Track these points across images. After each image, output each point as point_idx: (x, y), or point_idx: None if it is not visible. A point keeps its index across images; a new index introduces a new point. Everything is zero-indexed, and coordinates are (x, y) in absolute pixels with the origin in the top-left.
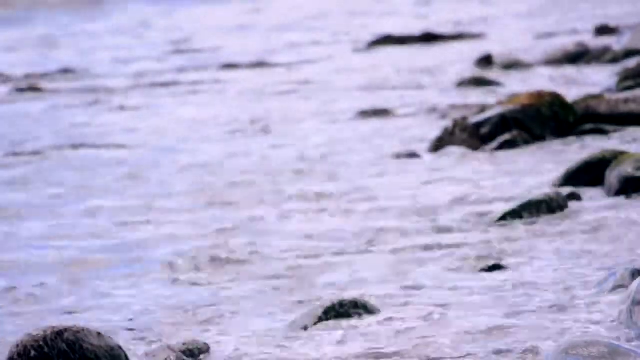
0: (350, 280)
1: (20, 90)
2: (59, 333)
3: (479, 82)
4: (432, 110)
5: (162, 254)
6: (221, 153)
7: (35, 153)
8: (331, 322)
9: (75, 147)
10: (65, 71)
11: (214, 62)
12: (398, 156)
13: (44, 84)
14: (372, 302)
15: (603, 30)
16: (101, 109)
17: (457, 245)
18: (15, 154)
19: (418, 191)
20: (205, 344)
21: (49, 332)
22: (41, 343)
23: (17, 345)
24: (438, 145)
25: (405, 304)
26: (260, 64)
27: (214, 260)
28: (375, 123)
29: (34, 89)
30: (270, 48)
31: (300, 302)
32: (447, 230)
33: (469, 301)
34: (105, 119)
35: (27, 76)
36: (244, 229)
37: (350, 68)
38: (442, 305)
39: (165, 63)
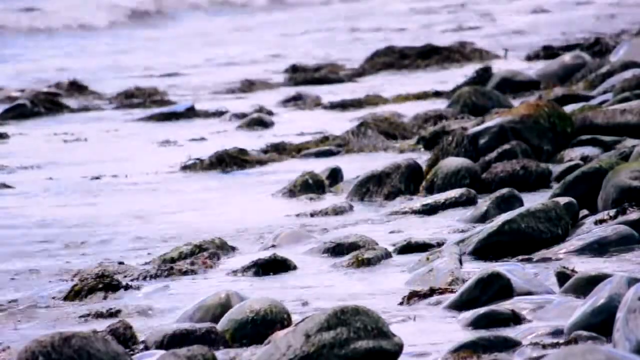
0: None
1: None
2: (66, 339)
3: (476, 96)
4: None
5: None
6: None
7: None
8: None
9: None
10: None
11: None
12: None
13: None
14: None
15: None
16: None
17: None
18: None
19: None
20: (210, 350)
21: (56, 338)
22: (49, 349)
23: (25, 351)
24: (436, 158)
25: None
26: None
27: None
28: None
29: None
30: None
31: None
32: None
33: None
34: None
35: None
36: None
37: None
38: None
39: None
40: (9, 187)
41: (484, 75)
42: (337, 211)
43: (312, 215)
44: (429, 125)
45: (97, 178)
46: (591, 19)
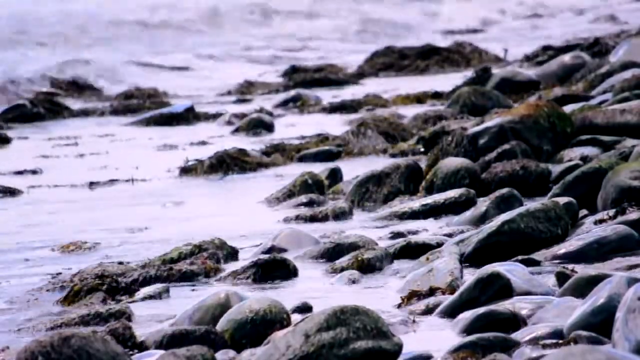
0: None
1: None
2: (66, 339)
3: (475, 96)
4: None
5: None
6: None
7: None
8: None
9: None
10: None
11: None
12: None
13: None
14: None
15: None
16: None
17: None
18: None
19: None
20: (209, 350)
21: (55, 338)
22: (48, 349)
23: (25, 351)
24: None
25: None
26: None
27: None
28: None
29: None
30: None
31: None
32: None
33: None
34: None
35: None
36: None
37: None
38: None
39: None
40: (11, 191)
41: (483, 75)
42: (337, 212)
43: (312, 216)
44: (428, 126)
45: (96, 183)
46: (591, 19)
